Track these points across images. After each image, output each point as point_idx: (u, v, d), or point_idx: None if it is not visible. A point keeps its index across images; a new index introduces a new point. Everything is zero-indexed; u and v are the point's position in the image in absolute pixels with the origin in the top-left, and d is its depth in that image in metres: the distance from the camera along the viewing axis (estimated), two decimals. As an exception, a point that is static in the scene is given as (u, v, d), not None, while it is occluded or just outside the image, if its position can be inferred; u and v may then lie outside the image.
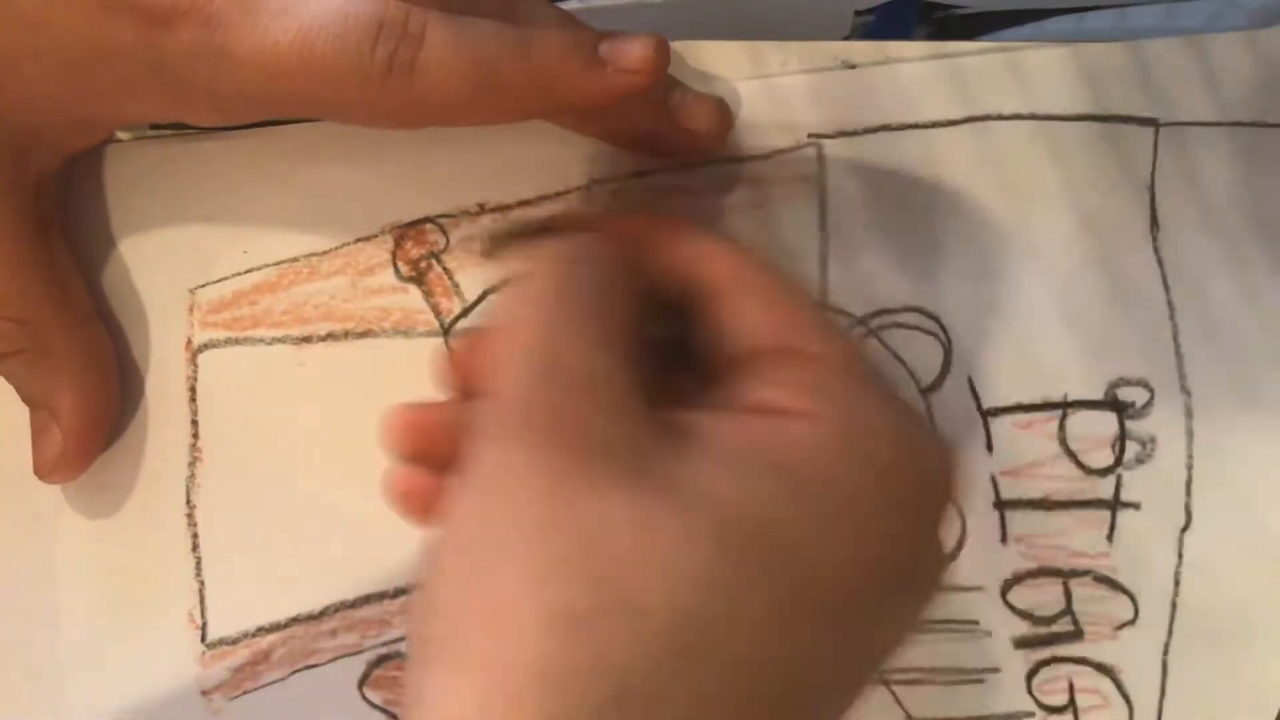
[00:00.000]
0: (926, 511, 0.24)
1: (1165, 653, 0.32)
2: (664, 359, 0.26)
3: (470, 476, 0.23)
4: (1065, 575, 0.32)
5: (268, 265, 0.33)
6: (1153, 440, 0.32)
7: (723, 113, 0.31)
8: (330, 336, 0.32)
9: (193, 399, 0.33)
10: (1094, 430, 0.32)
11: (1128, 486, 0.32)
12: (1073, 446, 0.32)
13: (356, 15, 0.27)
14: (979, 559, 0.32)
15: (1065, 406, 0.32)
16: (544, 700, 0.20)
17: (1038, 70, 0.32)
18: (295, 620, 0.32)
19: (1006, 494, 0.32)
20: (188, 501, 0.32)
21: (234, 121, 0.31)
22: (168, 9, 0.27)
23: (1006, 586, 0.32)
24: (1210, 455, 0.32)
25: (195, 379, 0.33)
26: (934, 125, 0.32)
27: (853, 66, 0.33)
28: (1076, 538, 0.32)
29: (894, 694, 0.32)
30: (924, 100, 0.32)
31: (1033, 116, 0.32)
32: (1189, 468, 0.32)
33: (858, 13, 0.36)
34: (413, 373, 0.32)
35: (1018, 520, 0.32)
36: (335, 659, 0.32)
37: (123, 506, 0.32)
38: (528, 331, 0.24)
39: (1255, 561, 0.32)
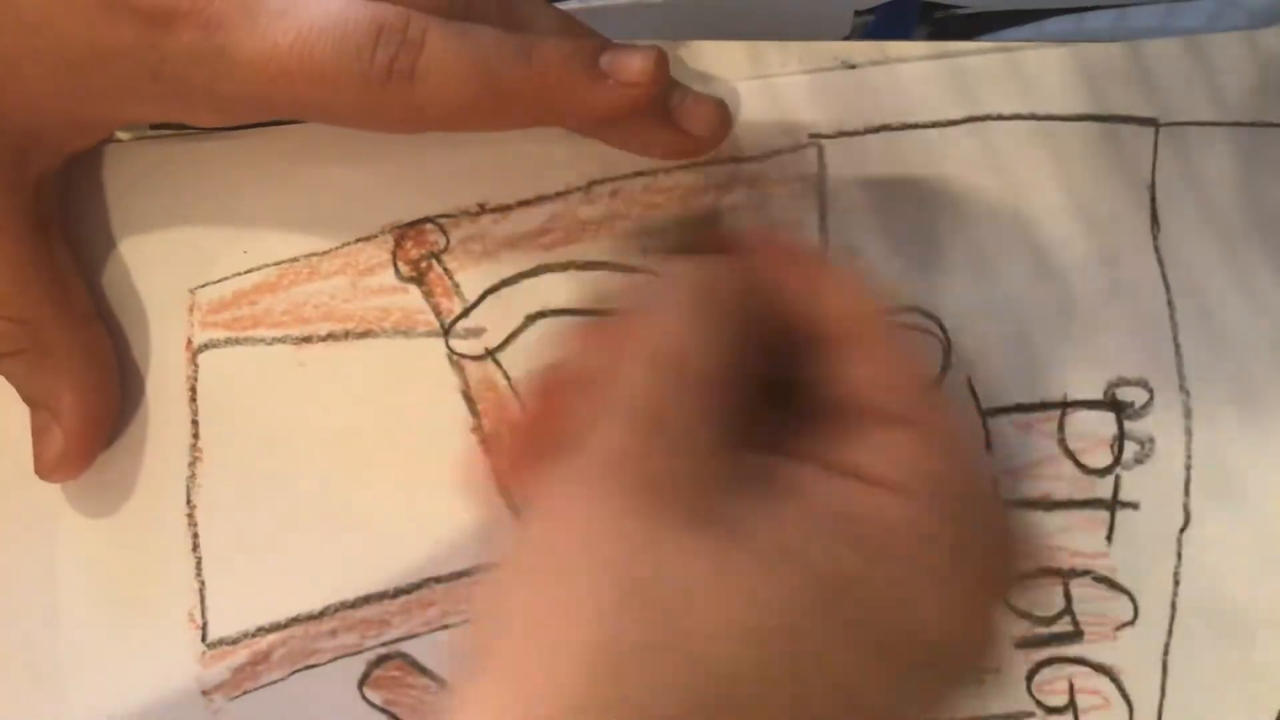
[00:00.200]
0: (998, 599, 0.24)
1: (1165, 653, 0.32)
2: (767, 383, 0.26)
3: (550, 494, 0.23)
4: (1065, 575, 0.32)
5: (268, 265, 0.33)
6: (1151, 440, 0.32)
7: (722, 114, 0.31)
8: (330, 336, 0.32)
9: (193, 399, 0.33)
10: (1093, 430, 0.32)
11: (1127, 486, 0.32)
12: (1072, 446, 0.32)
13: (356, 19, 0.27)
14: (979, 559, 0.32)
15: (1064, 406, 0.32)
16: None
17: (1038, 70, 0.32)
18: (295, 620, 0.32)
19: (1006, 494, 0.32)
20: (188, 501, 0.32)
21: (234, 122, 0.31)
22: (167, 10, 0.27)
23: (1006, 586, 0.32)
24: (1209, 455, 0.32)
25: (195, 379, 0.33)
26: (934, 125, 0.32)
27: (853, 66, 0.33)
28: (1076, 538, 0.32)
29: (894, 694, 0.32)
30: (924, 100, 0.32)
31: (1033, 116, 0.32)
32: (1188, 468, 0.32)
33: (858, 13, 0.36)
34: (413, 373, 0.32)
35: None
36: (335, 659, 0.32)
37: (123, 506, 0.32)
38: (637, 349, 0.24)
39: (1254, 561, 0.32)
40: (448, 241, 0.33)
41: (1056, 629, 0.32)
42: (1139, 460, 0.32)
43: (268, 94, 0.28)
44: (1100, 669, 0.32)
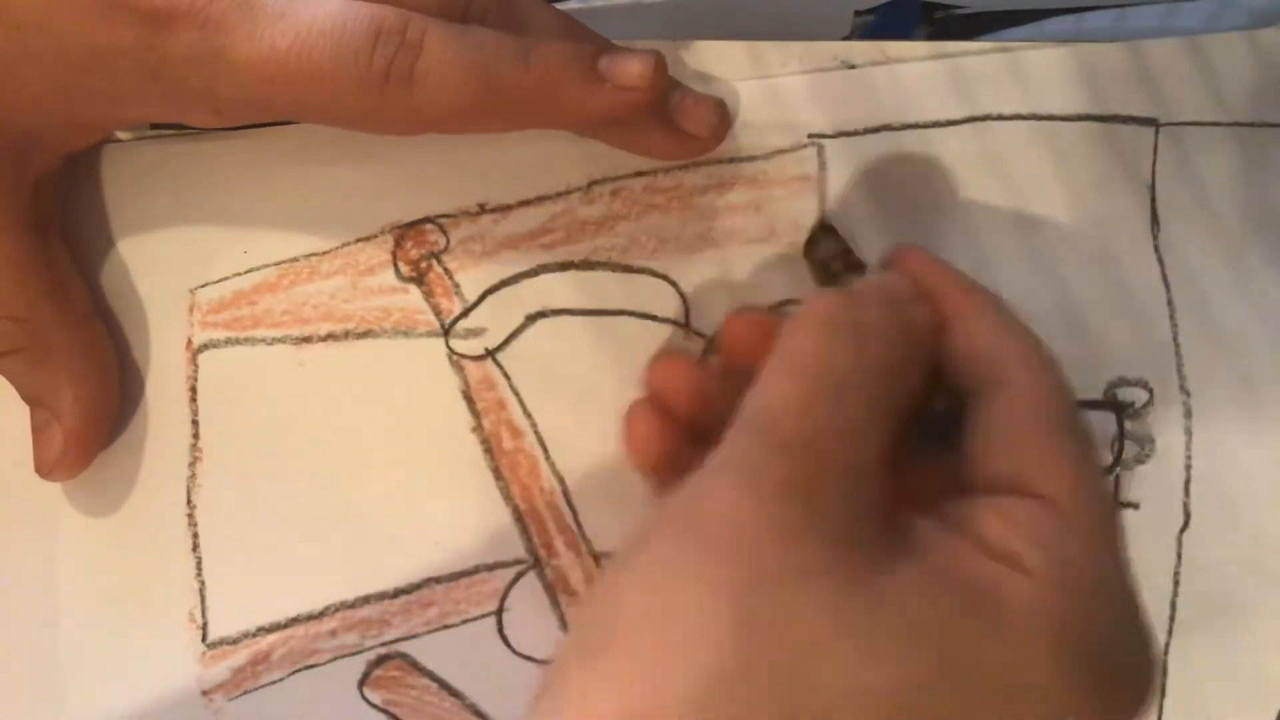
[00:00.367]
0: (1116, 705, 0.23)
1: (1165, 653, 0.32)
2: (921, 427, 0.25)
3: (697, 496, 0.23)
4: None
5: (268, 265, 0.33)
6: (1151, 440, 0.32)
7: (722, 114, 0.31)
8: (330, 336, 0.32)
9: (193, 399, 0.33)
10: (1093, 430, 0.32)
11: (1126, 487, 0.32)
12: (1072, 447, 0.32)
13: (354, 21, 0.27)
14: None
15: (1064, 407, 0.32)
16: None
17: (1038, 70, 0.32)
18: (295, 620, 0.32)
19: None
20: (188, 501, 0.32)
21: (232, 123, 0.31)
22: (166, 11, 0.27)
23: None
24: (1209, 456, 0.32)
25: (195, 379, 0.33)
26: (934, 125, 0.32)
27: (853, 66, 0.33)
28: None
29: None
30: (924, 100, 0.32)
31: (1033, 116, 0.32)
32: (1188, 468, 0.32)
33: (858, 13, 0.36)
34: (413, 373, 0.32)
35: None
36: (335, 659, 0.32)
37: (123, 506, 0.32)
38: (807, 373, 0.24)
39: (1254, 562, 0.32)
40: (448, 241, 0.33)
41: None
42: (1139, 460, 0.32)
43: (266, 95, 0.28)
44: (1100, 669, 0.32)
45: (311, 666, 0.32)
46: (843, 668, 0.20)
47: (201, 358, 0.33)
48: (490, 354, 0.32)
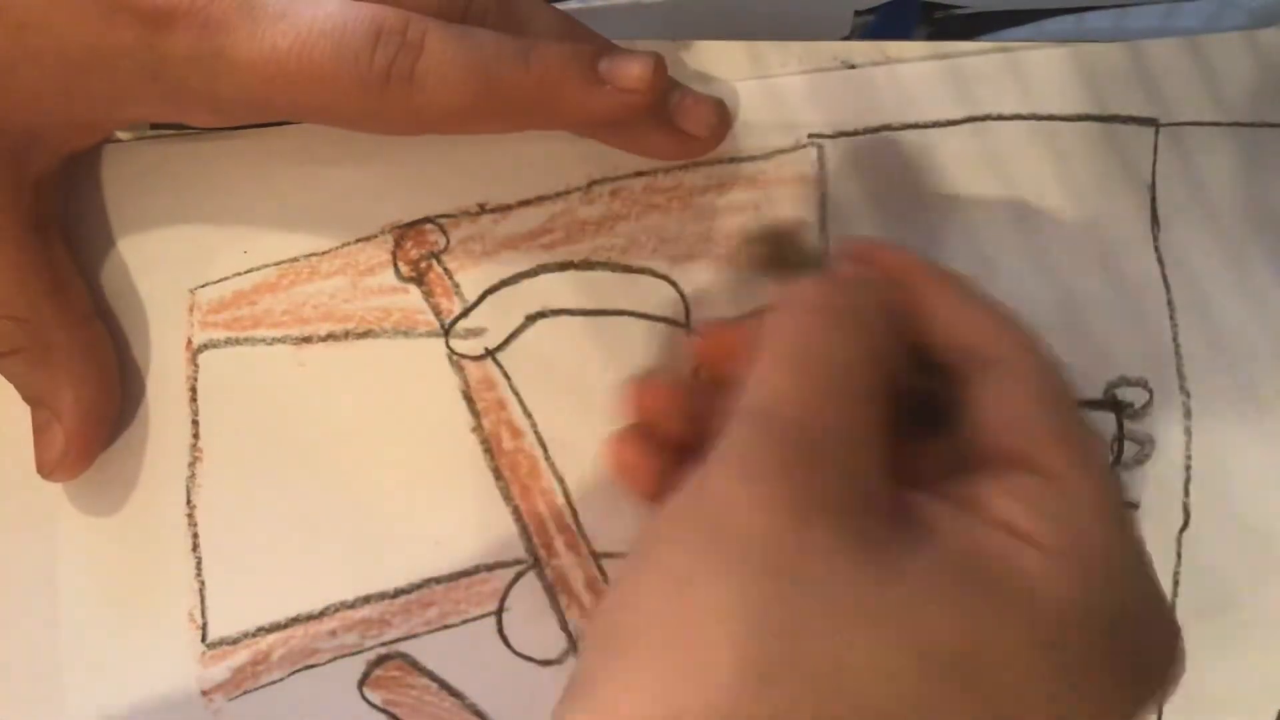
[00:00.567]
0: (1136, 684, 0.23)
1: (1164, 653, 0.32)
2: (911, 413, 0.25)
3: (702, 491, 0.23)
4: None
5: (268, 265, 0.33)
6: (1151, 440, 0.32)
7: (722, 114, 0.31)
8: (330, 337, 0.32)
9: (193, 399, 0.33)
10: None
11: (1127, 487, 0.32)
12: (1072, 447, 0.32)
13: (354, 22, 0.27)
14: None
15: (1064, 407, 0.32)
16: None
17: (1038, 70, 0.32)
18: (295, 620, 0.32)
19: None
20: (188, 501, 0.32)
21: (232, 123, 0.31)
22: (166, 11, 0.27)
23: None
24: (1209, 456, 0.32)
25: (195, 379, 0.33)
26: (934, 125, 0.32)
27: (853, 66, 0.33)
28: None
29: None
30: (924, 100, 0.32)
31: (1033, 116, 0.32)
32: (1187, 468, 0.32)
33: (858, 13, 0.36)
34: (413, 373, 0.32)
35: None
36: (335, 659, 0.32)
37: (123, 506, 0.32)
38: (794, 360, 0.24)
39: (1254, 562, 0.32)
40: (448, 241, 0.33)
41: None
42: (1139, 460, 0.32)
43: (266, 95, 0.28)
44: (1100, 669, 0.32)
45: (311, 666, 0.32)
46: (868, 649, 0.20)
47: (201, 358, 0.33)
48: (490, 354, 0.32)
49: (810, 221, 0.32)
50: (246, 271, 0.33)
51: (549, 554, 0.32)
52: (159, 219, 0.33)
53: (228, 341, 0.33)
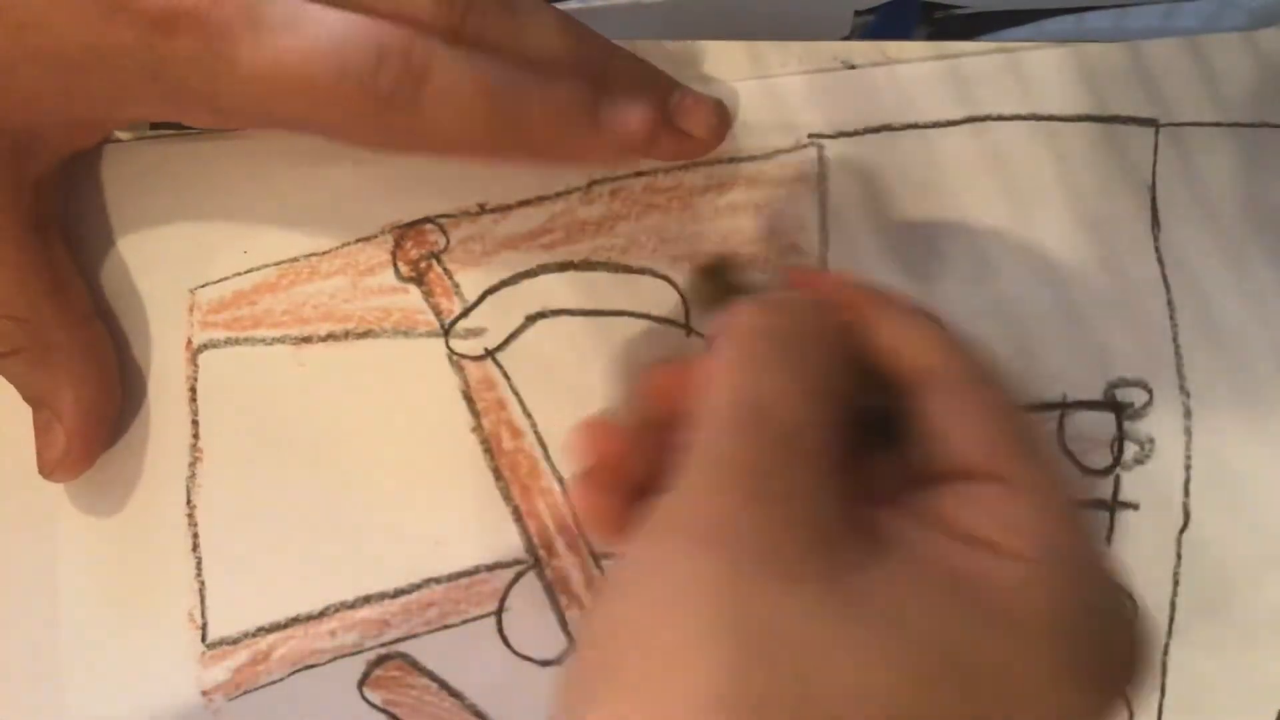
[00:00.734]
0: (1110, 682, 0.23)
1: (1165, 653, 0.32)
2: (863, 428, 0.26)
3: (658, 526, 0.23)
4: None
5: (268, 265, 0.33)
6: (1151, 441, 0.32)
7: (722, 115, 0.31)
8: (330, 337, 0.32)
9: (193, 399, 0.33)
10: (1093, 431, 0.32)
11: (1126, 487, 0.32)
12: (1071, 447, 0.32)
13: (360, 40, 0.27)
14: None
15: (1064, 407, 0.32)
16: None
17: (1038, 70, 0.32)
18: (295, 620, 0.32)
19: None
20: (188, 501, 0.32)
21: (231, 126, 0.31)
22: (169, 14, 0.27)
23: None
24: (1209, 456, 0.32)
25: (195, 379, 0.33)
26: (934, 125, 0.32)
27: (853, 66, 0.33)
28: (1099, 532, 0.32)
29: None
30: (924, 100, 0.32)
31: (1033, 117, 0.32)
32: (1187, 468, 0.32)
33: (858, 13, 0.36)
34: (413, 373, 0.32)
35: (1017, 520, 0.32)
36: (335, 659, 0.32)
37: (123, 507, 0.32)
38: (738, 388, 0.24)
39: (1253, 562, 0.32)
40: (448, 241, 0.33)
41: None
42: (1139, 461, 0.32)
43: (265, 105, 0.28)
44: (1100, 669, 0.32)
45: (311, 666, 0.32)
46: (842, 669, 0.20)
47: (201, 358, 0.33)
48: (490, 354, 0.32)
49: (812, 224, 0.32)
50: (246, 271, 0.33)
51: (549, 554, 0.32)
52: (159, 219, 0.33)
53: (228, 341, 0.33)
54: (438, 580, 0.32)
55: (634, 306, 0.32)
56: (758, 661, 0.20)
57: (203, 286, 0.33)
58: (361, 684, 0.32)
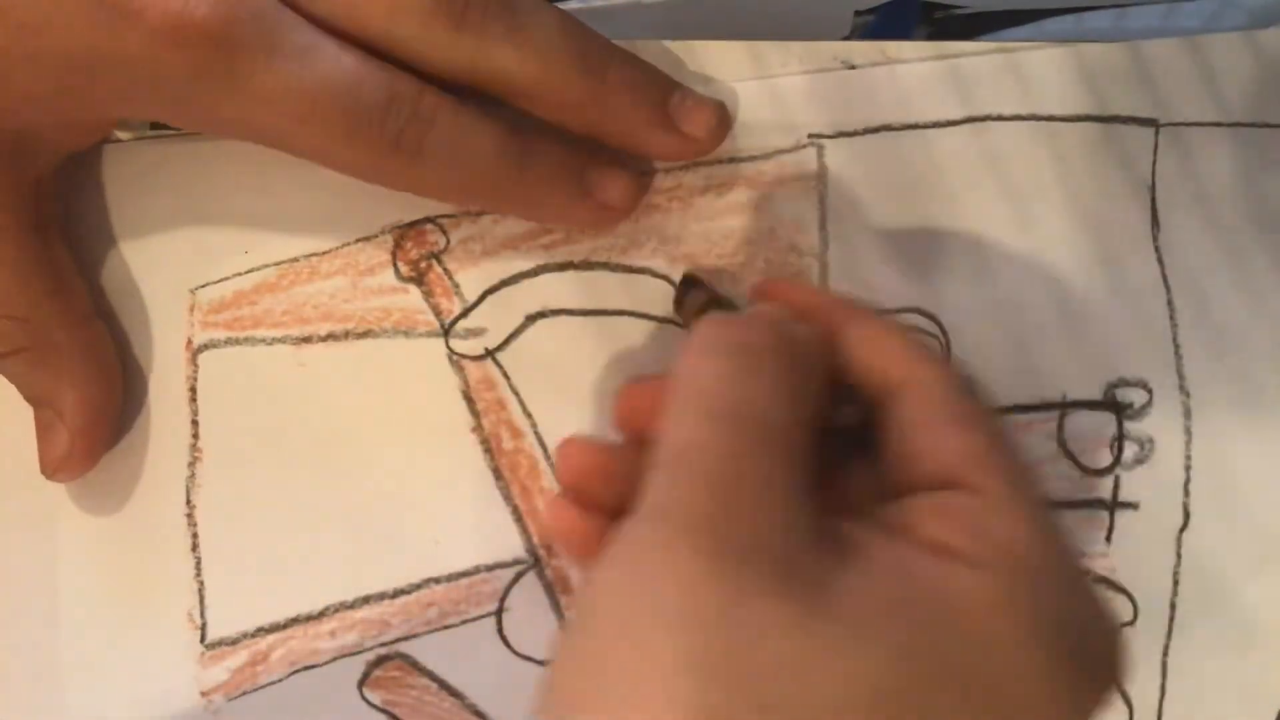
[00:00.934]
0: (1084, 688, 0.23)
1: (1165, 653, 0.32)
2: (836, 440, 0.26)
3: (628, 545, 0.22)
4: (1064, 576, 0.32)
5: (268, 265, 0.33)
6: (1151, 441, 0.32)
7: (721, 116, 0.31)
8: (330, 337, 0.32)
9: (193, 399, 0.33)
10: (1093, 431, 0.32)
11: (1126, 487, 0.32)
12: (1071, 447, 0.32)
13: (372, 83, 0.28)
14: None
15: (1064, 407, 0.32)
16: None
17: (1038, 70, 0.32)
18: (295, 621, 0.32)
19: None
20: (188, 501, 0.32)
21: (228, 138, 0.31)
22: (178, 25, 0.27)
23: (1006, 587, 0.32)
24: (1209, 456, 0.32)
25: (195, 379, 0.33)
26: (934, 125, 0.32)
27: (853, 67, 0.33)
28: (1075, 538, 0.32)
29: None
30: (924, 100, 0.32)
31: (1033, 117, 0.32)
32: (1187, 468, 0.32)
33: (858, 13, 0.36)
34: (413, 373, 0.32)
35: (1017, 520, 0.32)
36: (334, 659, 0.32)
37: (123, 507, 0.32)
38: (708, 402, 0.24)
39: (1254, 562, 0.32)
40: (448, 241, 0.33)
41: (1056, 629, 0.32)
42: (1139, 461, 0.32)
43: (267, 126, 0.28)
44: (1100, 669, 0.32)
45: (311, 667, 0.32)
46: (816, 685, 0.20)
47: (201, 358, 0.33)
48: (490, 354, 0.32)
49: (811, 224, 0.32)
50: (247, 271, 0.33)
51: (549, 554, 0.32)
52: (159, 219, 0.33)
53: (228, 341, 0.33)
54: (437, 580, 0.32)
55: (634, 306, 0.32)
56: (726, 686, 0.20)
57: (203, 286, 0.33)
58: (361, 684, 0.32)
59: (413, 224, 0.33)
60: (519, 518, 0.32)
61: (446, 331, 0.32)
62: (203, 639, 0.32)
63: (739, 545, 0.21)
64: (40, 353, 0.31)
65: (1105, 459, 0.32)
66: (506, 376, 0.32)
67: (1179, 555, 0.32)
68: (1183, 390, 0.32)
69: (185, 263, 0.33)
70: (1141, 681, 0.32)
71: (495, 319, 0.32)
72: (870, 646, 0.21)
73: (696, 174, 0.32)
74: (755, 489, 0.22)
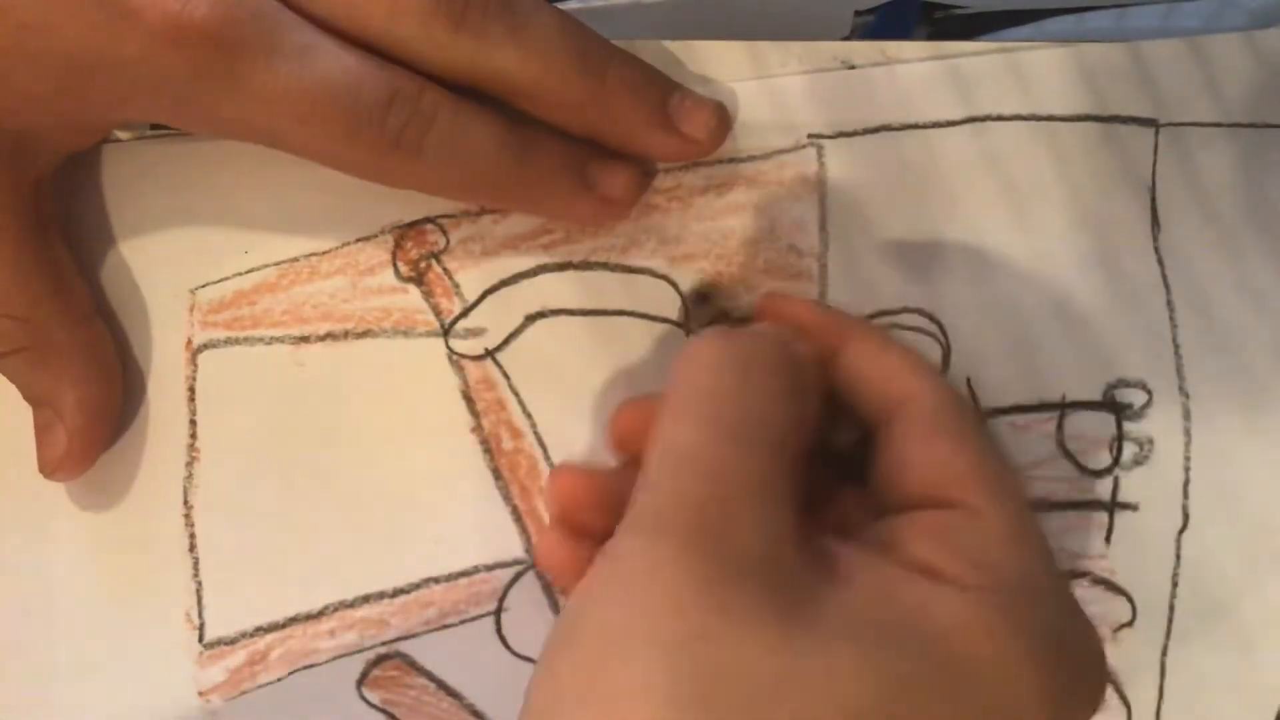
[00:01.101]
0: (1076, 705, 0.23)
1: (1163, 654, 0.32)
2: (829, 464, 0.25)
3: (613, 561, 0.22)
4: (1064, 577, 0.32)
5: (268, 265, 0.33)
6: (1151, 442, 0.32)
7: (721, 117, 0.31)
8: (330, 336, 0.32)
9: (192, 399, 0.33)
10: (1092, 431, 0.32)
11: (1126, 488, 0.32)
12: (1071, 448, 0.32)
13: (372, 81, 0.28)
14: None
15: (1063, 408, 0.32)
16: None
17: (1038, 70, 0.32)
18: (293, 620, 0.32)
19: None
20: (185, 501, 0.32)
21: (228, 138, 0.31)
22: (178, 27, 0.27)
23: (1005, 587, 0.32)
24: (1208, 457, 0.32)
25: (195, 379, 0.33)
26: (934, 125, 0.32)
27: (853, 67, 0.33)
28: (1075, 539, 0.32)
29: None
30: (924, 100, 0.32)
31: (1033, 117, 0.32)
32: (1187, 469, 0.32)
33: (858, 13, 0.36)
34: (412, 373, 0.32)
35: (1016, 521, 0.32)
36: (333, 659, 0.32)
37: (121, 506, 0.32)
38: (705, 412, 0.24)
39: (1253, 563, 0.31)
40: (448, 241, 0.33)
41: (1055, 630, 0.32)
42: (1138, 462, 0.32)
43: (268, 127, 0.28)
44: (1099, 670, 0.32)
45: (309, 666, 0.32)
46: (794, 711, 0.20)
47: (201, 358, 0.33)
48: (490, 354, 0.32)
49: (811, 225, 0.32)
50: (247, 271, 0.33)
51: (548, 554, 0.32)
52: (159, 219, 0.33)
53: (227, 341, 0.33)
54: (436, 580, 0.32)
55: (634, 306, 0.32)
56: (704, 708, 0.20)
57: (203, 286, 0.33)
58: (360, 684, 0.32)
59: (413, 224, 0.33)
60: (518, 518, 0.32)
61: (446, 331, 0.32)
62: (200, 639, 0.32)
63: (726, 562, 0.21)
64: (40, 352, 0.31)
65: (1105, 460, 0.32)
66: (506, 376, 0.32)
67: (1178, 556, 0.32)
68: (1182, 391, 0.32)
69: (185, 263, 0.33)
70: (1140, 682, 0.32)
71: (495, 319, 0.32)
72: (851, 669, 0.21)
73: (696, 174, 0.32)
74: (745, 502, 0.22)
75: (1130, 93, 0.32)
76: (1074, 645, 0.23)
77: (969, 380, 0.32)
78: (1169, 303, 0.32)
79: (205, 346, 0.33)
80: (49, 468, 0.31)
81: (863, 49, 0.33)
